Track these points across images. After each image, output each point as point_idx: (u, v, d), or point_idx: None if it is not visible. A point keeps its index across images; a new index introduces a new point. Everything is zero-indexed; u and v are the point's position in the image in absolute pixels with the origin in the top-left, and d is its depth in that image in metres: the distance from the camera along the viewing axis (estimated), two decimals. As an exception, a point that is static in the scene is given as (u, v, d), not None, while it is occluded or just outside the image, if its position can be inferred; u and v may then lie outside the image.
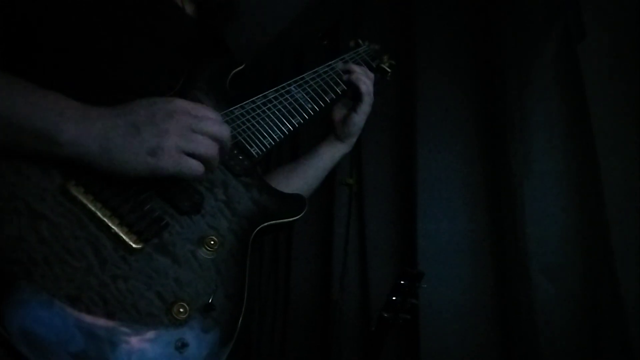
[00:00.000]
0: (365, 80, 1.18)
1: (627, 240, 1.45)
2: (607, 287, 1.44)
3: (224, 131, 0.76)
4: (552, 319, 1.51)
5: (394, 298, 1.38)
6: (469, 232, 1.77)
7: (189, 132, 0.72)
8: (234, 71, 1.01)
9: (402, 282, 1.38)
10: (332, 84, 1.15)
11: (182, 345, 0.67)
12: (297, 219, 0.94)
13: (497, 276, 1.68)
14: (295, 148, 2.64)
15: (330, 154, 1.21)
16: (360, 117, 1.19)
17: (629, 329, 1.38)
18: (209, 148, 0.73)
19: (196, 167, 0.72)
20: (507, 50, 1.75)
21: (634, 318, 1.39)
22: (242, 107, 0.96)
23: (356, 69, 1.19)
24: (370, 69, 1.26)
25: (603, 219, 1.46)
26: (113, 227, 0.70)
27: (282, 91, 1.05)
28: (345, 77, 1.18)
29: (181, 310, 0.69)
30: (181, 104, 0.74)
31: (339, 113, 1.22)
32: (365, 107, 1.18)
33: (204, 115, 0.75)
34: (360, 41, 1.34)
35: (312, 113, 1.07)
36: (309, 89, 1.10)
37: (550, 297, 1.53)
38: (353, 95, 1.19)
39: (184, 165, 0.71)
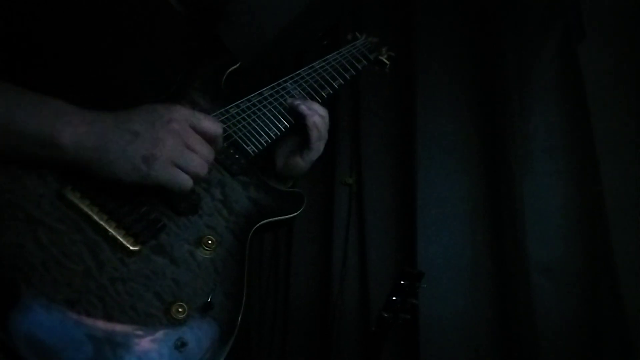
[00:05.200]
0: (319, 122, 0.96)
1: (627, 240, 1.45)
2: (607, 287, 1.44)
3: (217, 144, 0.77)
4: (552, 319, 1.51)
5: (394, 298, 1.38)
6: (469, 231, 1.77)
7: (182, 147, 0.72)
8: (229, 70, 1.00)
9: (402, 282, 1.38)
10: (328, 78, 1.11)
11: (181, 345, 0.67)
12: (294, 215, 0.93)
13: (497, 276, 1.68)
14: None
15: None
16: (305, 164, 0.99)
17: (629, 329, 1.38)
18: (199, 166, 0.73)
19: (186, 181, 0.72)
20: (507, 50, 1.75)
21: (634, 318, 1.39)
22: (238, 106, 0.95)
23: (307, 108, 0.97)
24: (368, 61, 1.24)
25: (603, 219, 1.46)
26: (110, 230, 0.70)
27: (278, 88, 1.03)
28: (299, 109, 0.97)
29: (180, 310, 0.69)
30: (180, 112, 0.74)
31: (282, 151, 1.02)
32: (314, 155, 0.98)
33: (200, 127, 0.75)
34: (358, 34, 1.31)
35: None
36: (305, 85, 1.07)
37: (550, 296, 1.53)
38: (301, 135, 0.99)
39: (175, 177, 0.71)
